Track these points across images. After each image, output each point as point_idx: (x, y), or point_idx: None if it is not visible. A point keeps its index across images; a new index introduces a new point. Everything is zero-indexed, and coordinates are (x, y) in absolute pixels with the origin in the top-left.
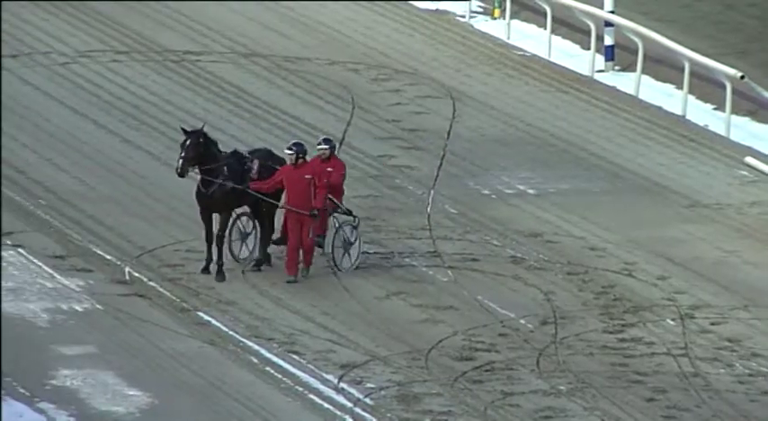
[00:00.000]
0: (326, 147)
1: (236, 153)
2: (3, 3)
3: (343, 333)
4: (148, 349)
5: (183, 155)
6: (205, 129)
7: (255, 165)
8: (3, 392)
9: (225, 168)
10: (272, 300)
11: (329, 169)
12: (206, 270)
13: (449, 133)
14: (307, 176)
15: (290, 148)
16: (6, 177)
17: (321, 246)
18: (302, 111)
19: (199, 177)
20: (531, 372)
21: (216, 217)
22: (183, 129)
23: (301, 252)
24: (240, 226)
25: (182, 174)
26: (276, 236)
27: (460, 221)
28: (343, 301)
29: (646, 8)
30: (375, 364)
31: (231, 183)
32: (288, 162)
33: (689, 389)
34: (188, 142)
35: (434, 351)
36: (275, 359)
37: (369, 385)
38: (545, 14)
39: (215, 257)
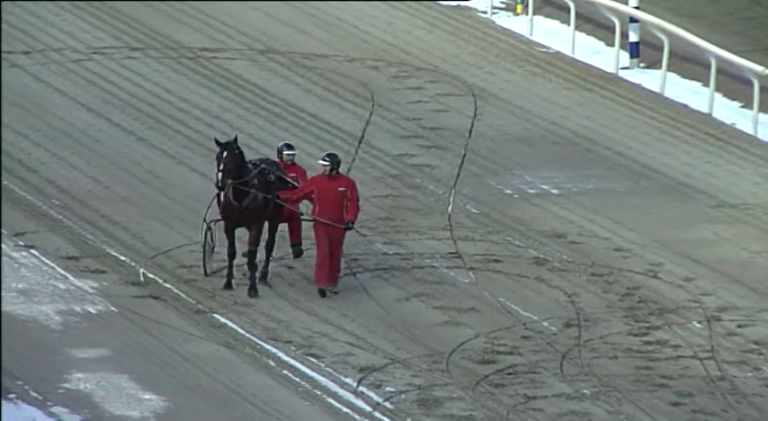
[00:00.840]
0: (327, 163)
1: (264, 161)
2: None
3: (363, 335)
4: (163, 352)
5: (222, 168)
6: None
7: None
8: (14, 396)
9: (255, 180)
10: (290, 301)
11: (341, 189)
12: (228, 286)
13: (470, 132)
14: (341, 188)
15: (324, 159)
16: (19, 176)
17: (300, 255)
18: (321, 109)
19: (221, 189)
20: (555, 376)
21: (233, 230)
22: (217, 142)
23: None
24: (210, 238)
25: (223, 187)
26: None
27: (482, 222)
28: (362, 303)
29: (671, 4)
30: (395, 368)
31: (263, 194)
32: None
33: (715, 393)
34: (225, 154)
35: (456, 354)
36: (293, 362)
37: (388, 389)
38: (568, 10)
39: (235, 272)
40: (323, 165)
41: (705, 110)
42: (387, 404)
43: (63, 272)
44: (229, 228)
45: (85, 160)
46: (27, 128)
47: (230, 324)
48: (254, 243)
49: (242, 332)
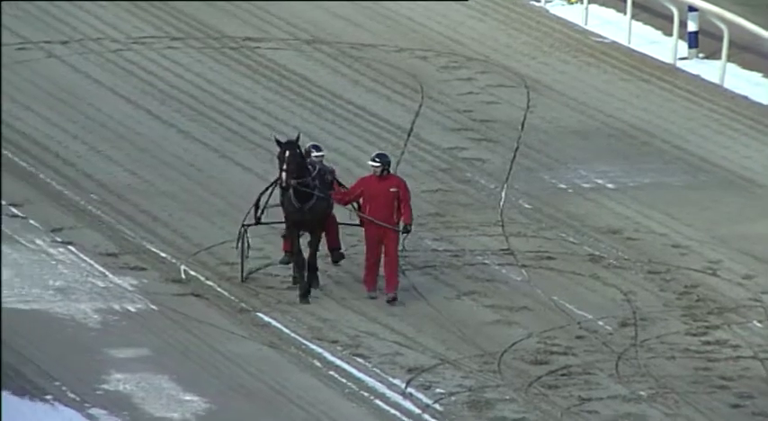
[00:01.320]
0: (378, 165)
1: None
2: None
3: (411, 335)
4: (205, 351)
5: (285, 168)
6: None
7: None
8: (51, 397)
9: (316, 180)
10: (336, 300)
11: (392, 189)
12: (305, 298)
13: (523, 124)
14: (392, 189)
15: (374, 160)
16: (56, 170)
17: (339, 260)
18: (368, 100)
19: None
20: (610, 377)
21: (298, 235)
22: (277, 141)
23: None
24: (246, 243)
25: (288, 187)
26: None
27: (535, 217)
28: (410, 302)
29: None
30: (445, 368)
31: (324, 195)
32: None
33: None
34: (288, 154)
35: (507, 354)
36: (339, 362)
37: (438, 390)
38: None
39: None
40: (373, 166)
41: (765, 101)
42: (436, 406)
43: (101, 269)
44: (294, 233)
45: (124, 153)
46: (64, 120)
47: (274, 323)
48: (314, 248)
49: (286, 331)
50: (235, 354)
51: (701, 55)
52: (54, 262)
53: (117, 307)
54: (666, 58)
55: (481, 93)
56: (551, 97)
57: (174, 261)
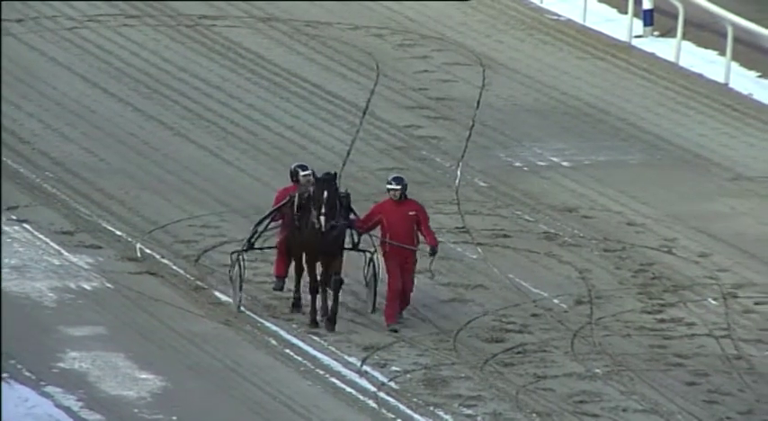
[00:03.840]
0: (399, 188)
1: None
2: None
3: (366, 313)
4: (161, 330)
5: (324, 212)
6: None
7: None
8: (7, 376)
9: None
10: (291, 279)
11: (411, 213)
12: (315, 324)
13: (478, 102)
14: (411, 213)
15: (391, 183)
16: (11, 148)
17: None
18: (324, 78)
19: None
20: (565, 355)
21: (315, 263)
22: (315, 177)
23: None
24: (240, 270)
25: (326, 231)
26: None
27: (490, 195)
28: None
29: None
30: (400, 346)
31: (347, 224)
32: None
33: (732, 373)
34: (326, 195)
35: (463, 332)
36: (295, 340)
37: (394, 368)
38: None
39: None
40: (391, 189)
41: (721, 79)
42: (392, 384)
43: (57, 247)
44: (313, 262)
45: (80, 131)
46: (19, 98)
47: (230, 301)
48: (339, 271)
49: (242, 309)
50: (190, 333)
51: (656, 33)
52: (9, 240)
53: (72, 285)
54: (622, 35)
55: (437, 71)
56: (507, 75)
57: (129, 239)
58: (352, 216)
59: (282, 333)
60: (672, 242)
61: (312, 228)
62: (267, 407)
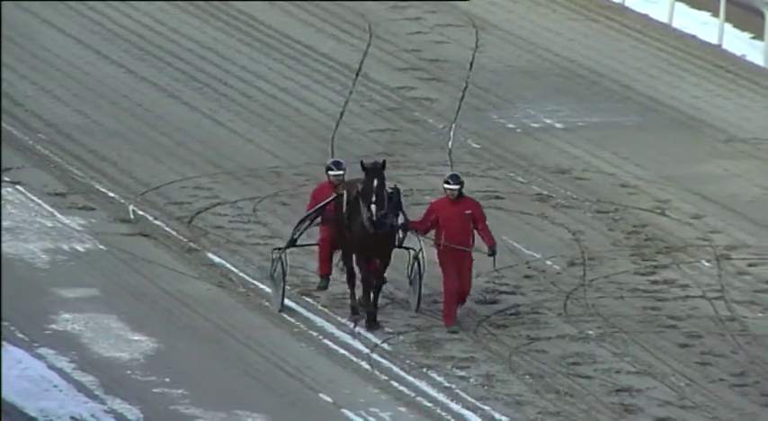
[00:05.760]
0: (456, 187)
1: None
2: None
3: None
4: (154, 292)
5: (375, 201)
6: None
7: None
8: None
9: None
10: (285, 240)
11: (467, 212)
12: (376, 322)
13: (471, 64)
14: (467, 212)
15: (448, 182)
16: (4, 110)
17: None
18: (317, 40)
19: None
20: (558, 316)
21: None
22: (362, 165)
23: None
24: (283, 269)
25: (379, 225)
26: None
27: (484, 157)
28: None
29: None
30: (393, 308)
31: (400, 222)
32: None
33: (725, 334)
34: (376, 184)
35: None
36: (288, 302)
37: (387, 330)
38: None
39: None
40: (448, 189)
41: (714, 41)
42: (385, 345)
43: (50, 208)
44: (364, 259)
45: (73, 93)
46: (13, 59)
47: (223, 263)
48: (384, 270)
49: (235, 271)
50: (183, 294)
51: None
52: (2, 202)
53: (65, 247)
54: None
55: (430, 32)
56: (500, 37)
57: (122, 201)
58: (401, 217)
59: None
60: (665, 204)
61: (362, 226)
62: (260, 368)
